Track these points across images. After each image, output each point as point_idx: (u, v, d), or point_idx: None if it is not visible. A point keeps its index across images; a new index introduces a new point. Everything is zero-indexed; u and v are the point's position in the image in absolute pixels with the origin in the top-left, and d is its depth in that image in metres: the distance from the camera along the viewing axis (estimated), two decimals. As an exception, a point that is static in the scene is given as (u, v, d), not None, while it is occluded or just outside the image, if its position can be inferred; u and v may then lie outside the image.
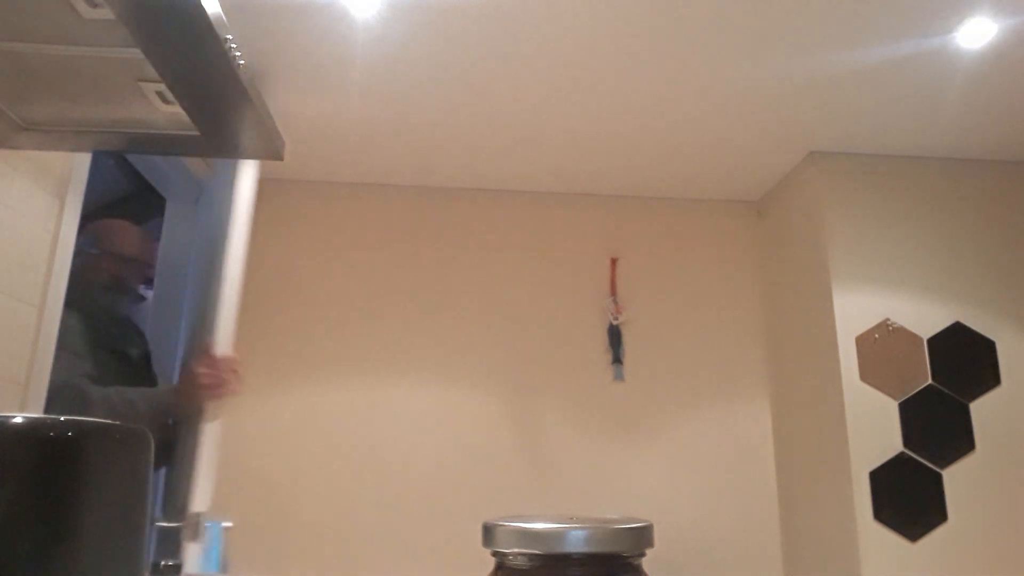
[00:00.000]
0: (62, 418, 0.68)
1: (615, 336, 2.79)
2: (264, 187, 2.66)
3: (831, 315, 2.42)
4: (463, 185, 2.90)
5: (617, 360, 2.77)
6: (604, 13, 1.84)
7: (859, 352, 2.38)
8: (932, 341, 2.42)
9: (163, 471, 2.06)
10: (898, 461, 2.30)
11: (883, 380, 2.36)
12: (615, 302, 2.82)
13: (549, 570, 0.58)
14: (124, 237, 1.99)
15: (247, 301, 2.38)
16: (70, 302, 1.82)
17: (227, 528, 1.75)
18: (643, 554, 0.62)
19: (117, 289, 1.95)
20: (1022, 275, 2.51)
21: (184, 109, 1.24)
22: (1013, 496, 2.31)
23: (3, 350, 1.47)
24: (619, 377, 2.76)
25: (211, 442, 1.80)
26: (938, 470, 2.31)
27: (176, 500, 1.79)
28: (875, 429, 2.32)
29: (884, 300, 2.44)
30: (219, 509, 1.86)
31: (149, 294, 2.34)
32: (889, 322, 2.42)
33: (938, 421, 2.34)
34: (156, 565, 1.35)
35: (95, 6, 1.01)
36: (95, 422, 0.70)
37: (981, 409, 2.37)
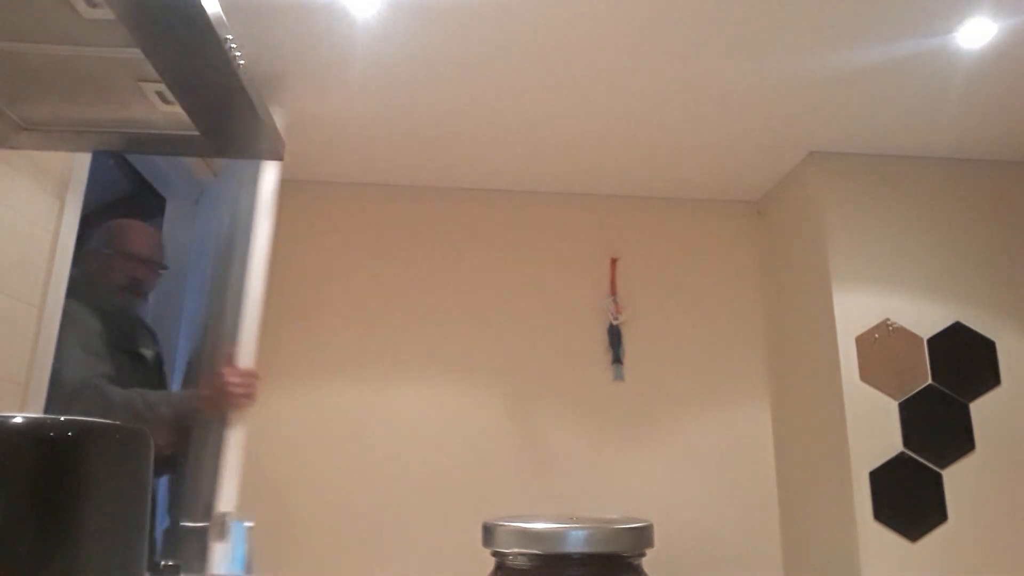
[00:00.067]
0: (62, 418, 0.68)
1: (615, 336, 2.79)
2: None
3: (831, 315, 2.42)
4: (462, 185, 2.90)
5: (617, 360, 2.77)
6: (604, 13, 1.84)
7: (859, 352, 2.38)
8: (932, 341, 2.42)
9: (167, 476, 2.06)
10: (898, 461, 2.30)
11: (883, 380, 2.36)
12: (615, 302, 2.82)
13: (549, 570, 0.58)
14: (139, 238, 2.00)
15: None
16: (86, 302, 1.83)
17: (250, 528, 1.76)
18: (643, 554, 0.62)
19: (132, 290, 1.95)
20: (1022, 275, 2.51)
21: (184, 109, 1.24)
22: (1013, 496, 2.31)
23: (3, 350, 1.47)
24: (619, 377, 2.76)
25: (236, 443, 1.82)
26: (938, 470, 2.31)
27: (201, 500, 1.80)
28: (875, 429, 2.32)
29: (884, 300, 2.44)
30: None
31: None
32: (889, 322, 2.42)
33: (938, 421, 2.34)
34: (156, 565, 1.35)
35: (95, 6, 1.01)
36: (95, 422, 0.70)
37: (981, 409, 2.37)
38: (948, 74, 2.08)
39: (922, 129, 2.39)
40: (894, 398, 2.35)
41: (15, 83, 1.21)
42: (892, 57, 2.00)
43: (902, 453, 2.31)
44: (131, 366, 1.90)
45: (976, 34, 1.90)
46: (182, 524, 1.80)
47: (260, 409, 2.62)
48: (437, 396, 2.70)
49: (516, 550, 0.60)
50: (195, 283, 2.38)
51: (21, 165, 1.51)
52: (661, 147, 2.55)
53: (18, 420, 0.67)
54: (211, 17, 1.02)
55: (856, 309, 2.42)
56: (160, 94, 1.22)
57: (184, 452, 1.97)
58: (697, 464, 2.72)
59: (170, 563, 1.29)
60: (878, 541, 2.23)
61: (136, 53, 1.10)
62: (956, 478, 2.30)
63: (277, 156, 1.43)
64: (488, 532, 0.62)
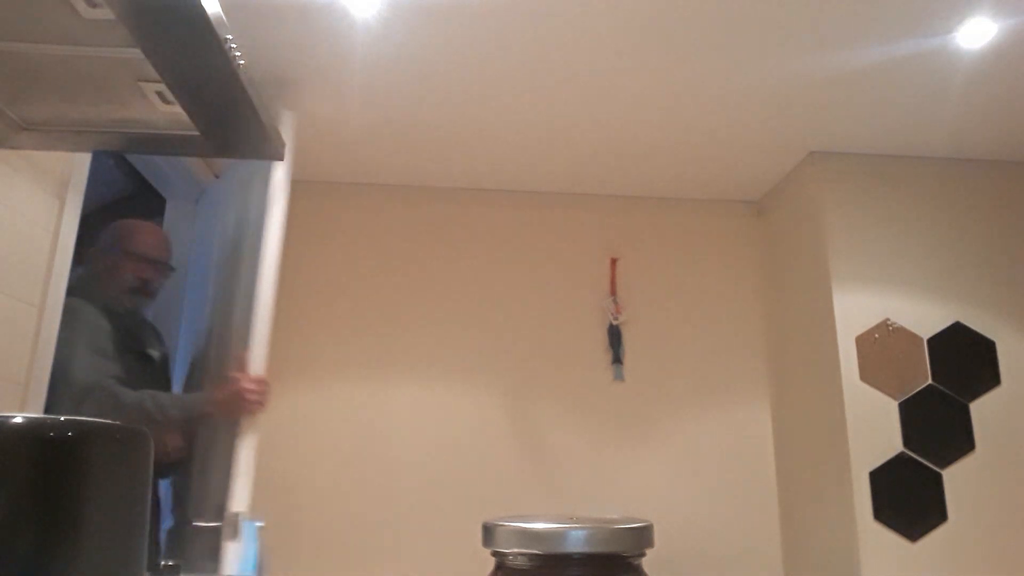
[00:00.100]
0: (62, 418, 0.68)
1: (615, 336, 2.79)
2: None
3: (831, 315, 2.42)
4: (462, 185, 2.90)
5: (617, 360, 2.77)
6: (604, 13, 1.84)
7: (859, 352, 2.38)
8: (932, 341, 2.42)
9: (172, 477, 2.06)
10: (898, 461, 2.30)
11: (883, 380, 2.36)
12: (615, 302, 2.82)
13: (549, 570, 0.58)
14: (148, 238, 2.00)
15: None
16: (94, 302, 1.83)
17: (260, 528, 1.77)
18: (643, 554, 0.62)
19: (140, 290, 1.95)
20: (1022, 275, 2.51)
21: (184, 109, 1.24)
22: (1013, 496, 2.31)
23: (3, 350, 1.47)
24: (619, 377, 2.76)
25: (248, 443, 1.83)
26: (938, 470, 2.31)
27: (212, 500, 1.81)
28: (875, 429, 2.32)
29: (884, 300, 2.44)
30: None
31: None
32: (889, 322, 2.42)
33: (938, 421, 2.34)
34: (156, 565, 1.35)
35: (95, 6, 1.01)
36: (95, 422, 0.70)
37: (981, 409, 2.37)
38: (948, 74, 2.08)
39: (922, 129, 2.39)
40: (894, 398, 2.35)
41: (15, 83, 1.21)
42: (892, 57, 2.00)
43: (902, 453, 2.31)
44: (139, 367, 1.90)
45: (976, 34, 1.90)
46: (195, 524, 1.80)
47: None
48: (436, 396, 2.70)
49: (516, 550, 0.60)
50: (195, 283, 2.38)
51: (21, 165, 1.51)
52: (661, 147, 2.55)
53: (18, 420, 0.67)
54: (211, 17, 1.02)
55: (856, 309, 2.42)
56: (160, 94, 1.22)
57: (190, 454, 1.97)
58: (697, 464, 2.72)
59: (170, 563, 1.29)
60: (878, 541, 2.23)
61: (136, 53, 1.10)
62: (956, 478, 2.30)
63: (277, 156, 1.42)
64: (488, 532, 0.62)
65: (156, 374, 2.01)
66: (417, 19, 1.87)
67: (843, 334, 2.39)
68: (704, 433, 2.75)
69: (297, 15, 1.85)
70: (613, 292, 2.84)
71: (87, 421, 0.70)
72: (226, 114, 1.26)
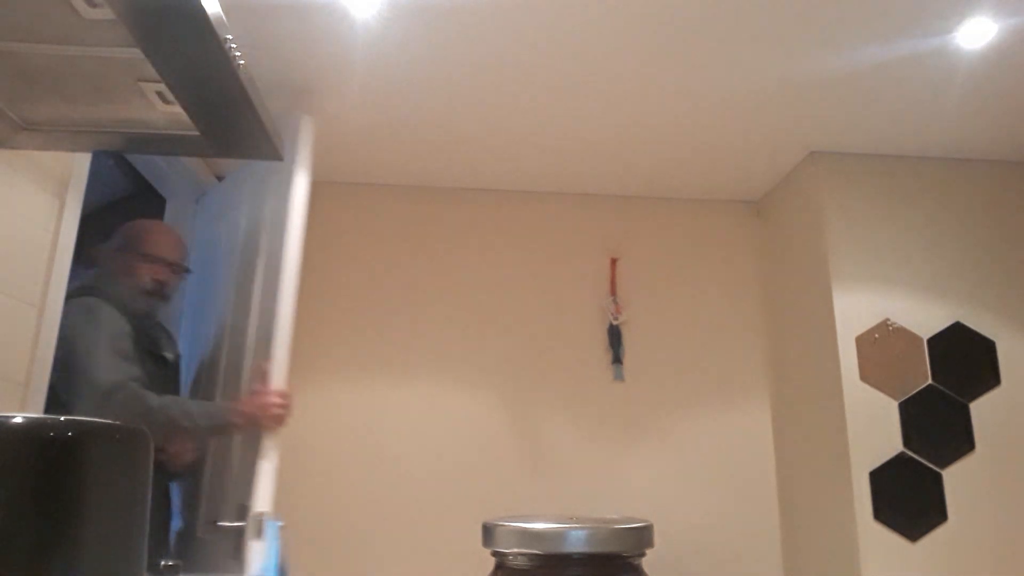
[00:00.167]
0: (62, 418, 0.68)
1: (615, 336, 2.79)
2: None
3: (831, 315, 2.42)
4: (462, 185, 2.90)
5: (617, 360, 2.77)
6: (604, 14, 1.84)
7: (859, 352, 2.38)
8: (932, 341, 2.42)
9: (183, 479, 2.07)
10: (898, 461, 2.30)
11: (883, 380, 2.36)
12: (615, 302, 2.82)
13: (549, 570, 0.58)
14: (163, 240, 1.99)
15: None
16: (112, 303, 1.82)
17: (281, 527, 1.78)
18: (643, 554, 0.62)
19: (156, 292, 1.94)
20: (1022, 275, 2.51)
21: (184, 109, 1.24)
22: (1013, 496, 2.31)
23: (3, 350, 1.47)
24: (619, 377, 2.76)
25: (272, 445, 1.85)
26: (938, 470, 2.31)
27: (232, 501, 1.82)
28: (875, 429, 2.32)
29: (884, 300, 2.44)
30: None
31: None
32: (889, 322, 2.42)
33: (938, 421, 2.34)
34: (156, 565, 1.35)
35: (95, 6, 1.01)
36: (95, 422, 0.70)
37: (981, 409, 2.37)
38: (948, 74, 2.08)
39: (922, 129, 2.39)
40: (894, 398, 2.35)
41: (15, 83, 1.21)
42: (892, 57, 2.00)
43: (902, 453, 2.31)
44: (155, 369, 1.90)
45: (976, 34, 1.90)
46: (219, 524, 1.81)
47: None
48: (435, 396, 2.70)
49: (516, 550, 0.60)
50: (195, 284, 2.38)
51: (21, 165, 1.51)
52: (661, 147, 2.55)
53: (18, 420, 0.67)
54: (211, 17, 1.02)
55: (856, 309, 2.42)
56: (160, 94, 1.22)
57: (203, 457, 1.98)
58: (697, 464, 2.72)
59: (170, 563, 1.29)
60: (878, 541, 2.23)
61: (136, 53, 1.10)
62: (956, 478, 2.30)
63: (277, 156, 1.42)
64: (488, 532, 0.62)
65: (171, 377, 2.01)
66: (417, 19, 1.87)
67: (843, 334, 2.39)
68: (704, 433, 2.75)
69: (297, 15, 1.85)
70: (613, 292, 2.84)
71: (87, 421, 0.70)
72: (226, 114, 1.26)
